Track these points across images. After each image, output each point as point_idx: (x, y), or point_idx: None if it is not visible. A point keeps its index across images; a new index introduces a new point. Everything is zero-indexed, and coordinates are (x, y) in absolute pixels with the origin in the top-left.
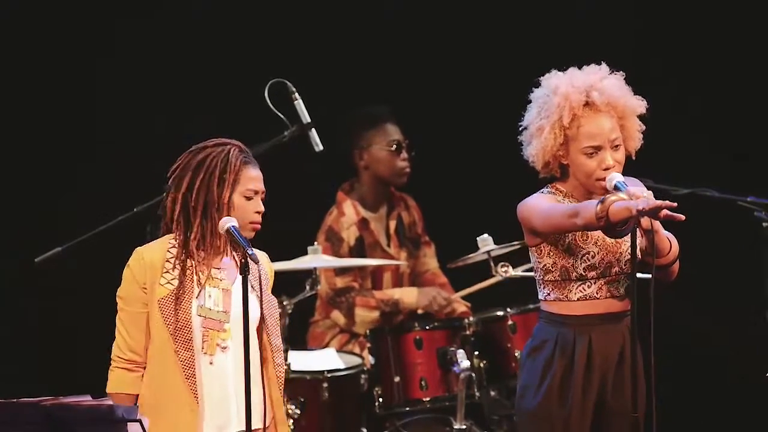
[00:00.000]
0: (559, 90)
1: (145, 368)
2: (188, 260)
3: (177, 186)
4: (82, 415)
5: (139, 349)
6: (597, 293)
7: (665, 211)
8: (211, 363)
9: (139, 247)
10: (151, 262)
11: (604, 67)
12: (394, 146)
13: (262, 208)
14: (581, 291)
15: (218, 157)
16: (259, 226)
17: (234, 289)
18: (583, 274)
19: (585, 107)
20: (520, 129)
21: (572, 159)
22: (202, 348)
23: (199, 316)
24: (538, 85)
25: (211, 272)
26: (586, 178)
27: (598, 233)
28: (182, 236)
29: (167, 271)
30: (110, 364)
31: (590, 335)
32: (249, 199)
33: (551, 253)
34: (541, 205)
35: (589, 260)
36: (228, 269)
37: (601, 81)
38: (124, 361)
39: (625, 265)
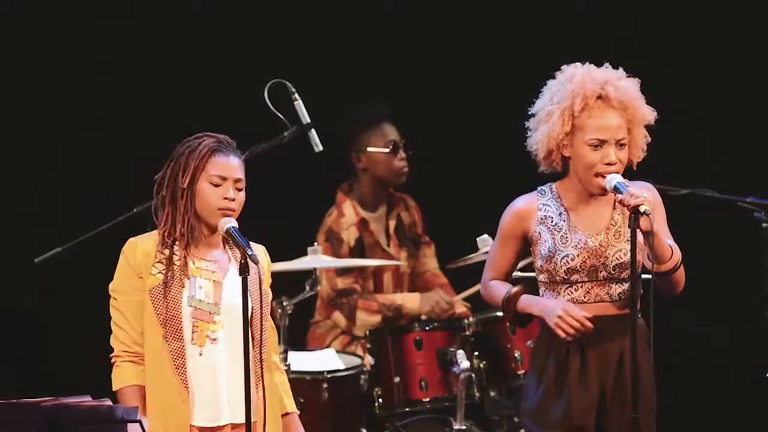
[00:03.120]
0: (575, 78)
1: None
2: (174, 251)
3: (157, 181)
4: (82, 416)
5: (141, 340)
6: (585, 297)
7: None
8: (200, 354)
9: (132, 238)
10: (145, 251)
11: (621, 70)
12: (390, 147)
13: (232, 195)
14: (569, 294)
15: (189, 147)
16: (230, 213)
17: (225, 282)
18: (566, 276)
19: (598, 99)
20: (529, 114)
21: (575, 150)
22: (192, 339)
23: (190, 306)
24: (545, 79)
25: (202, 264)
26: (586, 170)
27: (579, 236)
28: (160, 227)
29: (158, 261)
30: (113, 362)
31: (582, 338)
32: (216, 185)
33: (537, 255)
34: (494, 249)
35: (569, 263)
36: (220, 262)
37: (618, 80)
38: (130, 354)
39: (613, 270)
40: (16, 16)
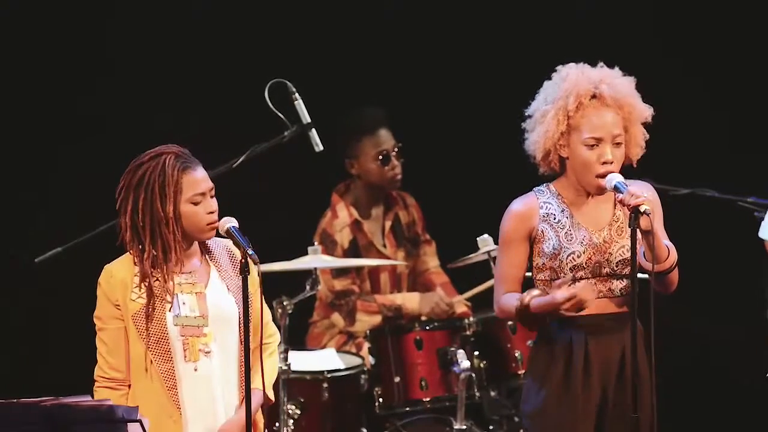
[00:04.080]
0: (569, 77)
1: (129, 386)
2: (153, 275)
3: (123, 209)
4: (82, 415)
5: (122, 366)
6: None
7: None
8: (195, 370)
9: (107, 265)
10: (122, 279)
11: (616, 69)
12: (381, 158)
13: (213, 207)
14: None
15: (155, 171)
16: (216, 222)
17: (208, 291)
18: (571, 274)
19: (592, 99)
20: (525, 115)
21: (572, 150)
22: (185, 356)
23: (176, 326)
24: (545, 78)
25: (182, 278)
26: (584, 170)
27: (584, 233)
28: (139, 257)
29: (137, 286)
30: (93, 384)
31: (586, 336)
32: (197, 203)
33: (540, 253)
34: (500, 261)
35: (575, 260)
36: (198, 272)
37: (612, 78)
38: (106, 380)
39: (616, 266)
40: (17, 14)
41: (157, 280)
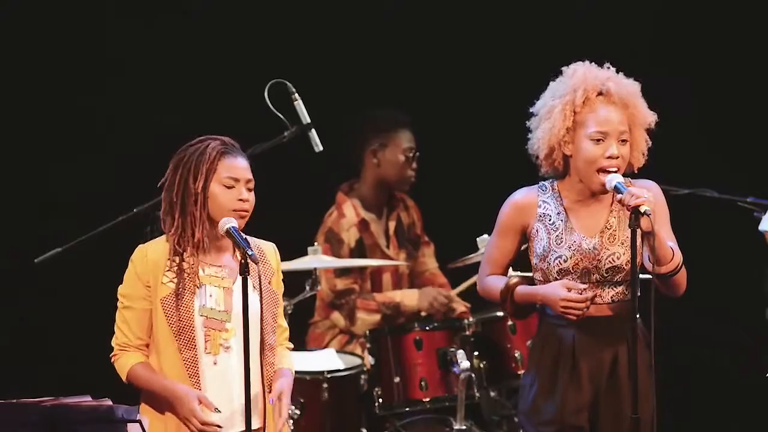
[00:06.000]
0: (577, 73)
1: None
2: (184, 259)
3: (164, 186)
4: (82, 415)
5: (145, 338)
6: None
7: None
8: (215, 363)
9: (142, 245)
10: (154, 260)
11: (622, 74)
12: (412, 154)
13: (245, 196)
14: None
15: (196, 151)
16: (245, 214)
17: (235, 287)
18: (558, 277)
19: (599, 96)
20: (530, 114)
21: (576, 146)
22: (206, 348)
23: (201, 316)
24: (546, 78)
25: (212, 271)
26: (588, 165)
27: (575, 237)
28: (171, 235)
29: (169, 270)
30: (112, 360)
31: (573, 337)
32: (229, 187)
33: (533, 253)
34: (492, 244)
35: (561, 264)
36: (229, 267)
37: (619, 78)
38: (135, 343)
39: (606, 272)
40: (17, 14)
41: (186, 262)
